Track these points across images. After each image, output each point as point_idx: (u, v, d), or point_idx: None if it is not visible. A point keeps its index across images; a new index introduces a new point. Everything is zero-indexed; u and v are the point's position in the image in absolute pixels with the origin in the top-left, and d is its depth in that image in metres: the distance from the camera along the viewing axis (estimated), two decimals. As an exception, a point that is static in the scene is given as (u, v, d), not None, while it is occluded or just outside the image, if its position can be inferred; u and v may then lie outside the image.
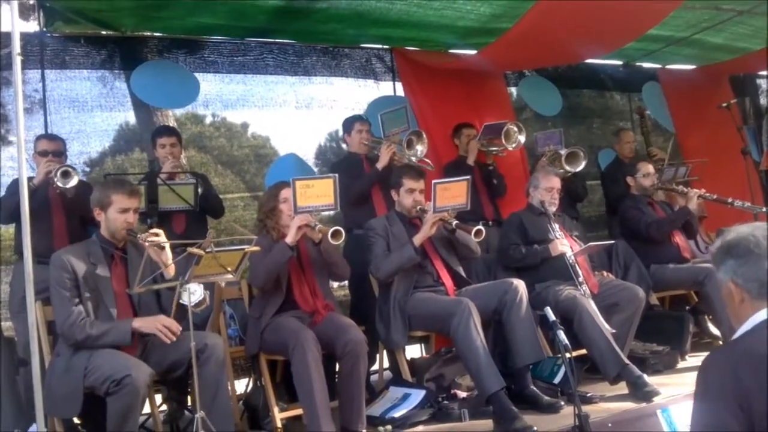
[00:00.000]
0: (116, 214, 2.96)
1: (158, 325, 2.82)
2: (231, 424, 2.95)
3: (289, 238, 3.23)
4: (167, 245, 2.93)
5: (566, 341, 2.61)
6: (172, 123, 4.83)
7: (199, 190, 3.80)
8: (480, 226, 3.52)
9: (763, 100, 7.26)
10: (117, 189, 2.99)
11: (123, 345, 2.82)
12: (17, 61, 2.69)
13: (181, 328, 2.83)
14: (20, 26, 3.14)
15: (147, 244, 2.88)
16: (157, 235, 2.95)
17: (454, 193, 3.53)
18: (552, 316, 2.74)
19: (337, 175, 3.34)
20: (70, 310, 2.83)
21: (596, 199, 6.00)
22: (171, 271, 2.91)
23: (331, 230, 3.19)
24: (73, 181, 3.46)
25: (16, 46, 2.69)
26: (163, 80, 4.54)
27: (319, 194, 3.23)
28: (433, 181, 3.52)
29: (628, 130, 5.70)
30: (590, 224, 6.00)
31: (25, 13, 4.79)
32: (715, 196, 4.60)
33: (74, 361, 2.78)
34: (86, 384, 2.73)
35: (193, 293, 2.78)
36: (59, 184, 3.45)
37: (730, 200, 4.53)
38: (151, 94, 4.55)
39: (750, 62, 5.99)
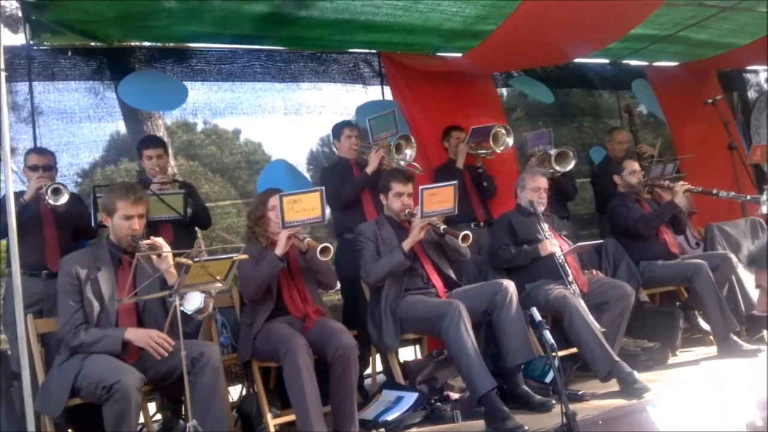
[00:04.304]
0: (120, 221, 2.98)
1: (150, 340, 2.82)
2: None
3: (279, 250, 3.24)
4: (168, 254, 2.92)
5: (552, 341, 2.63)
6: (162, 132, 4.83)
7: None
8: (467, 231, 3.52)
9: (751, 94, 7.29)
10: (121, 196, 2.99)
11: (115, 354, 2.83)
12: (1, 76, 2.69)
13: (173, 343, 2.82)
14: (7, 40, 3.14)
15: (144, 250, 2.87)
16: (156, 244, 2.94)
17: (442, 198, 3.54)
18: (538, 317, 2.76)
19: (323, 187, 3.35)
20: (70, 316, 2.88)
21: (588, 197, 6.00)
22: (172, 277, 2.89)
23: (320, 247, 3.19)
24: (64, 198, 3.47)
25: (0, 61, 2.70)
26: (150, 87, 4.55)
27: (306, 208, 3.23)
28: (420, 187, 3.52)
29: (621, 130, 5.66)
30: (582, 222, 6.01)
31: (12, 26, 4.80)
32: (700, 189, 4.63)
33: (69, 362, 2.83)
34: (78, 386, 2.75)
35: (194, 300, 2.79)
36: (50, 201, 3.46)
37: (715, 191, 4.58)
38: (139, 99, 4.56)
39: (735, 57, 6.02)
